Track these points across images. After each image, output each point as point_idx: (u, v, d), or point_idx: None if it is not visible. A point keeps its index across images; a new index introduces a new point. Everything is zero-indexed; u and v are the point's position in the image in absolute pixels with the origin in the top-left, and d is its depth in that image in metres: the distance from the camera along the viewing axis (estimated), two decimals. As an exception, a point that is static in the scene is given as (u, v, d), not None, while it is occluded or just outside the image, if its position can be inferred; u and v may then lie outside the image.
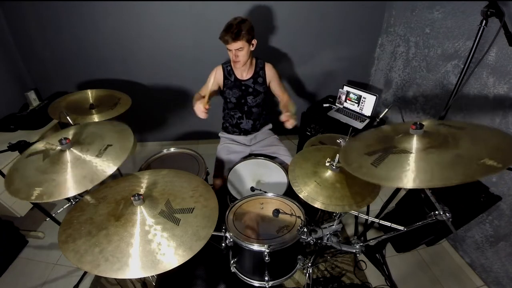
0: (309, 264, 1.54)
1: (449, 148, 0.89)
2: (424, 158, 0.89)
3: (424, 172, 0.84)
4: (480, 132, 0.97)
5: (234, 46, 1.56)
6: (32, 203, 1.61)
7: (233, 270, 1.37)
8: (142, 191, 1.07)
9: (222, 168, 1.81)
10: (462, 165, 0.82)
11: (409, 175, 0.85)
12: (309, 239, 1.27)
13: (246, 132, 1.97)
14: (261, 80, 1.81)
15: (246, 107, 1.86)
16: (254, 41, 1.62)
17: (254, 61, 1.77)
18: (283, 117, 1.55)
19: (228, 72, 1.76)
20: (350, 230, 2.10)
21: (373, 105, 2.29)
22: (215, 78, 1.77)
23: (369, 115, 2.36)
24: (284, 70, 2.65)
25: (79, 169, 1.04)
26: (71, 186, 0.99)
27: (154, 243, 0.87)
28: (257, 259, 1.26)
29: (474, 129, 0.99)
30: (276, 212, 1.27)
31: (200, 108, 1.53)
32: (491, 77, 1.60)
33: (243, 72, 1.77)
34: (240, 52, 1.58)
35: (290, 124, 1.55)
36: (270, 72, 1.82)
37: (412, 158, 0.90)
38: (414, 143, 0.95)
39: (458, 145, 0.89)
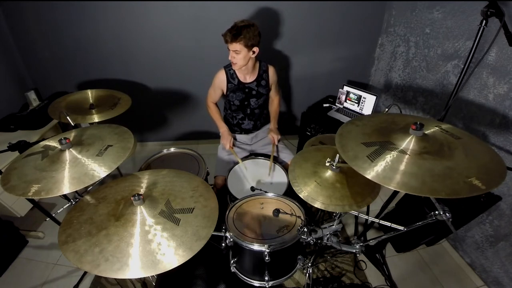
0: (309, 264, 1.54)
1: (443, 159, 0.90)
2: (417, 162, 0.89)
3: (415, 178, 0.84)
4: (474, 146, 0.97)
5: (231, 47, 1.57)
6: (32, 203, 1.61)
7: (233, 270, 1.37)
8: (142, 191, 1.07)
9: (223, 168, 1.81)
10: (451, 179, 0.83)
11: (400, 178, 0.85)
12: (309, 239, 1.27)
13: (247, 131, 1.97)
14: (264, 83, 1.81)
15: (249, 109, 1.87)
16: (256, 49, 1.61)
17: (257, 64, 1.77)
18: (270, 137, 1.89)
19: (231, 75, 1.76)
20: (350, 230, 2.10)
21: (373, 105, 2.29)
22: (218, 84, 1.79)
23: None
24: (284, 70, 2.65)
25: (78, 168, 1.04)
26: (69, 183, 0.98)
27: (154, 243, 0.87)
28: (257, 259, 1.26)
29: (470, 141, 0.99)
30: (276, 212, 1.27)
31: (227, 145, 1.81)
32: (491, 77, 1.60)
33: (246, 75, 1.77)
34: (236, 55, 1.59)
35: (275, 140, 1.86)
36: (273, 75, 1.84)
37: (406, 159, 0.90)
38: (412, 144, 0.95)
39: (452, 157, 0.90)
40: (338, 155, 1.15)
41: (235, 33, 1.52)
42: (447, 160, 0.89)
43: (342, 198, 1.13)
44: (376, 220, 1.23)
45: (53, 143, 1.17)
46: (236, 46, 1.55)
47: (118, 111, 1.73)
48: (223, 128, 1.87)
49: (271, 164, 1.71)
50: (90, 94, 1.88)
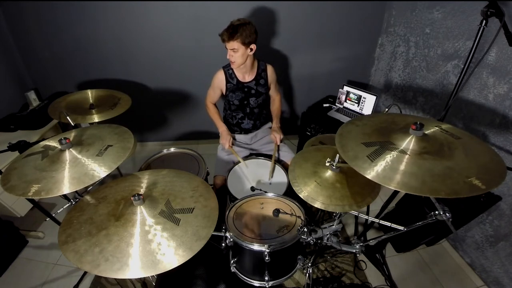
0: (309, 264, 1.54)
1: (443, 159, 0.90)
2: (417, 162, 0.89)
3: (415, 178, 0.84)
4: (474, 146, 0.97)
5: (229, 45, 1.58)
6: (32, 203, 1.61)
7: (233, 270, 1.37)
8: (142, 191, 1.07)
9: (222, 168, 1.81)
10: (451, 179, 0.83)
11: (400, 178, 0.85)
12: (309, 239, 1.27)
13: (246, 131, 1.97)
14: (263, 82, 1.82)
15: (248, 109, 1.87)
16: (253, 46, 1.61)
17: (256, 63, 1.77)
18: (272, 137, 1.87)
19: (230, 75, 1.77)
20: (350, 230, 2.10)
21: (373, 105, 2.29)
22: (217, 84, 1.79)
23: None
24: (284, 70, 2.65)
25: (78, 168, 1.04)
26: (69, 183, 0.98)
27: (154, 243, 0.87)
28: (257, 259, 1.26)
29: (470, 141, 0.99)
30: (276, 212, 1.27)
31: (227, 144, 1.80)
32: (491, 77, 1.60)
33: (245, 74, 1.77)
34: (234, 53, 1.59)
35: (278, 140, 1.83)
36: (271, 73, 1.84)
37: (406, 159, 0.90)
38: (412, 144, 0.95)
39: (452, 157, 0.90)
40: (338, 155, 1.15)
41: (232, 31, 1.53)
42: (447, 160, 0.89)
43: (342, 198, 1.13)
44: (376, 220, 1.23)
45: (53, 143, 1.17)
46: (234, 44, 1.56)
47: (118, 111, 1.73)
48: (222, 128, 1.88)
49: (273, 166, 1.69)
50: (90, 94, 1.88)
